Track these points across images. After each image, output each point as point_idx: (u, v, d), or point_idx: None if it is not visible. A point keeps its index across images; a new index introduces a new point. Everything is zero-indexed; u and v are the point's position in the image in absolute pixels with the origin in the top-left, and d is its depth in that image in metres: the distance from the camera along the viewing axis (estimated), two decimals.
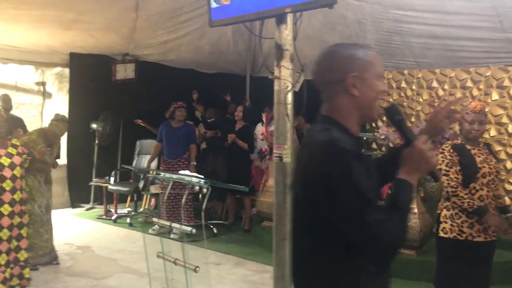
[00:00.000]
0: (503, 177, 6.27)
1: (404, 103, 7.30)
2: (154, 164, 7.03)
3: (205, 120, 7.44)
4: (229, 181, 5.70)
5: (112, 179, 7.43)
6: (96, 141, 7.85)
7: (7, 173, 3.99)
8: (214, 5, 2.65)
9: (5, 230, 4.00)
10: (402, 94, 7.42)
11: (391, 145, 5.99)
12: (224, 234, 6.46)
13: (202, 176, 3.57)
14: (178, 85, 8.27)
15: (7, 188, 4.00)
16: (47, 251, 4.99)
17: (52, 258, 5.05)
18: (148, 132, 7.67)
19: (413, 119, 7.12)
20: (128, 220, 6.95)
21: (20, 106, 7.48)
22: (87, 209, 7.80)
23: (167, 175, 3.86)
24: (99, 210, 7.65)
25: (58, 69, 7.84)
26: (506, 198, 5.47)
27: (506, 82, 6.41)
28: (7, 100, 6.47)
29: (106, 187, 7.34)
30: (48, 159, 4.95)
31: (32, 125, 6.95)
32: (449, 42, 6.53)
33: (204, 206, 3.56)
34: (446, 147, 3.28)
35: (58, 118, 5.17)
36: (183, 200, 3.74)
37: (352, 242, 1.37)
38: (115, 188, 7.28)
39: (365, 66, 1.49)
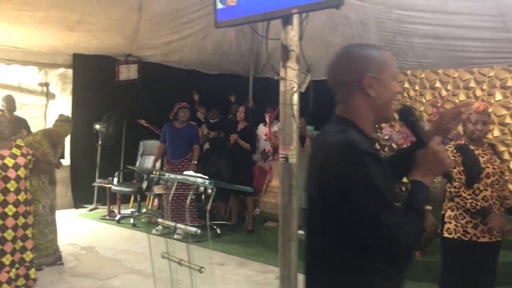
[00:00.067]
0: (507, 178, 6.26)
1: (407, 104, 7.29)
2: (157, 165, 7.04)
3: (208, 121, 7.45)
4: (231, 181, 5.71)
5: (115, 179, 7.45)
6: (99, 142, 7.87)
7: (11, 174, 4.00)
8: (220, 6, 2.65)
9: (10, 231, 4.00)
10: (405, 95, 7.41)
11: (394, 145, 6.00)
12: (227, 235, 6.47)
13: (207, 177, 3.58)
14: (181, 86, 8.28)
15: (12, 189, 4.00)
16: (51, 251, 5.00)
17: (56, 259, 5.06)
18: (151, 133, 7.68)
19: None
20: (131, 220, 6.96)
21: (23, 107, 7.49)
22: (90, 210, 7.81)
23: (172, 175, 3.86)
24: (102, 210, 7.67)
25: (61, 70, 7.86)
26: None
27: (510, 83, 6.38)
28: (10, 101, 6.50)
29: (110, 187, 7.36)
30: (52, 159, 4.96)
31: (35, 126, 6.98)
32: (452, 42, 6.51)
33: (209, 206, 3.56)
34: (450, 147, 3.28)
35: (62, 119, 5.18)
36: (188, 201, 3.73)
37: (368, 244, 1.36)
38: (118, 188, 7.30)
39: (381, 66, 1.49)
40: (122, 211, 7.48)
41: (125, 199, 7.71)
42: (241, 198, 6.96)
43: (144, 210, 7.49)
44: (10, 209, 4.00)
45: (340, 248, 1.43)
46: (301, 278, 2.98)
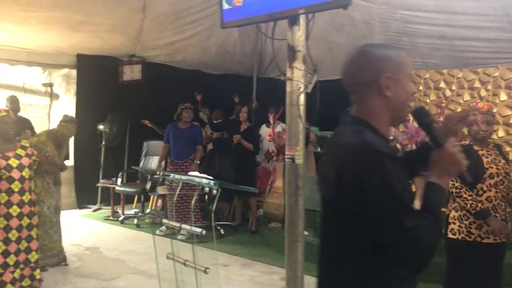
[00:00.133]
0: None
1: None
2: (162, 165, 7.04)
3: (212, 122, 7.45)
4: (235, 182, 5.70)
5: (119, 180, 7.45)
6: (103, 142, 7.88)
7: (15, 174, 3.99)
8: (226, 6, 2.64)
9: (14, 231, 4.00)
10: None
11: (398, 146, 5.97)
12: (231, 235, 6.47)
13: (212, 178, 3.57)
14: (185, 86, 8.28)
15: (16, 190, 4.00)
16: (56, 252, 5.00)
17: (61, 259, 5.07)
18: (155, 133, 7.68)
19: None
20: (135, 221, 6.96)
21: (27, 107, 7.50)
22: (94, 210, 7.82)
23: (177, 176, 3.85)
24: (106, 211, 7.67)
25: (65, 71, 7.88)
26: None
27: None
28: (15, 101, 6.51)
29: (113, 188, 7.36)
30: (57, 160, 4.96)
31: (39, 126, 6.98)
32: (457, 42, 6.50)
33: (214, 207, 3.56)
34: None
35: (66, 119, 5.18)
36: (193, 202, 3.73)
37: (386, 246, 1.34)
38: (122, 189, 7.30)
39: (398, 66, 1.47)
40: (126, 212, 7.48)
41: (128, 199, 7.72)
42: (245, 199, 6.96)
43: (147, 210, 7.49)
44: (14, 210, 3.99)
45: (355, 250, 1.41)
46: (307, 279, 2.98)
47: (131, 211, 7.62)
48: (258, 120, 7.98)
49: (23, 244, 4.07)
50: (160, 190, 6.96)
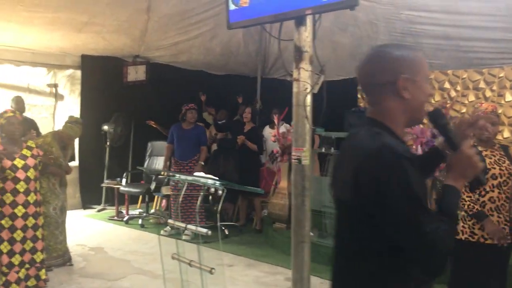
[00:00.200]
0: None
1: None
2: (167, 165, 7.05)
3: (216, 122, 7.46)
4: (239, 182, 5.70)
5: (123, 180, 7.46)
6: (108, 143, 7.89)
7: (20, 175, 4.01)
8: (232, 7, 2.64)
9: (19, 231, 4.01)
10: None
11: None
12: (235, 236, 6.47)
13: (217, 178, 3.57)
14: (189, 87, 8.29)
15: (21, 190, 4.01)
16: (61, 253, 5.01)
17: (66, 260, 5.07)
18: (159, 134, 7.69)
19: (425, 120, 7.06)
20: (140, 221, 6.97)
21: (32, 108, 7.52)
22: (99, 210, 7.83)
23: (183, 176, 3.85)
24: (111, 211, 7.68)
25: (70, 71, 7.90)
26: None
27: None
28: (20, 102, 6.53)
29: (118, 188, 7.37)
30: (62, 161, 4.97)
31: (44, 127, 7.00)
32: (462, 43, 6.47)
33: (219, 208, 3.56)
34: None
35: (72, 120, 5.19)
36: (198, 202, 3.72)
37: (403, 249, 1.33)
38: (126, 189, 7.31)
39: (415, 67, 1.46)
40: (130, 212, 7.49)
41: (133, 199, 7.73)
42: (249, 199, 6.95)
43: (152, 211, 7.50)
44: (19, 210, 4.01)
45: (372, 252, 1.40)
46: (313, 280, 2.98)
47: (135, 211, 7.63)
48: (262, 120, 7.98)
49: (29, 244, 4.08)
50: (165, 190, 6.96)
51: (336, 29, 7.06)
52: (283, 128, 6.59)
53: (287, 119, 6.53)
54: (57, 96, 7.88)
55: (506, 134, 6.41)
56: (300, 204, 2.49)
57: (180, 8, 6.99)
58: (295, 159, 2.50)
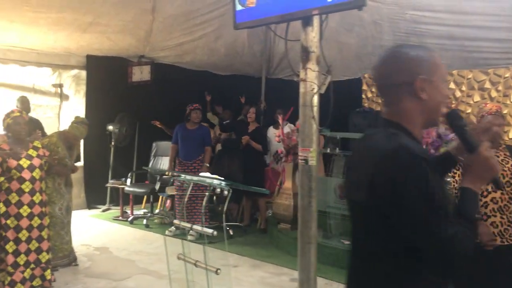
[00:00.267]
0: None
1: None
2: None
3: (222, 122, 7.47)
4: (243, 183, 5.70)
5: (128, 180, 7.48)
6: (112, 143, 7.91)
7: (26, 174, 4.02)
8: (239, 7, 2.64)
9: (24, 231, 4.03)
10: None
11: None
12: (240, 236, 6.46)
13: (223, 178, 3.57)
14: (194, 87, 8.31)
15: (26, 190, 4.03)
16: (67, 253, 5.02)
17: (71, 260, 5.09)
18: (164, 134, 7.70)
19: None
20: (144, 221, 6.97)
21: (37, 108, 7.54)
22: (103, 211, 7.85)
23: (188, 177, 3.86)
24: (115, 211, 7.69)
25: (75, 71, 7.92)
26: None
27: None
28: (25, 102, 6.55)
29: (123, 188, 7.38)
30: (68, 162, 4.98)
31: (48, 127, 7.02)
32: (467, 43, 6.45)
33: (225, 208, 3.56)
34: None
35: (78, 121, 5.20)
36: (204, 203, 3.73)
37: (421, 252, 1.32)
38: (131, 189, 7.33)
39: (433, 68, 1.44)
40: (135, 212, 7.50)
41: (137, 200, 7.74)
42: (253, 200, 6.95)
43: (156, 211, 7.50)
44: (24, 210, 4.02)
45: (388, 253, 1.38)
46: (318, 281, 2.97)
47: (140, 211, 7.64)
48: (266, 121, 7.98)
49: (34, 244, 4.09)
50: (169, 190, 6.97)
51: (342, 30, 7.05)
52: (287, 128, 6.58)
53: (290, 119, 6.53)
54: (62, 96, 7.90)
55: (511, 134, 6.37)
56: (306, 204, 2.48)
57: (185, 9, 7.00)
58: (301, 160, 2.49)
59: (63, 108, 7.89)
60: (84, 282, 4.69)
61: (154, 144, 7.88)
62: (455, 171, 3.15)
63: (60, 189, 4.94)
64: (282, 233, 5.98)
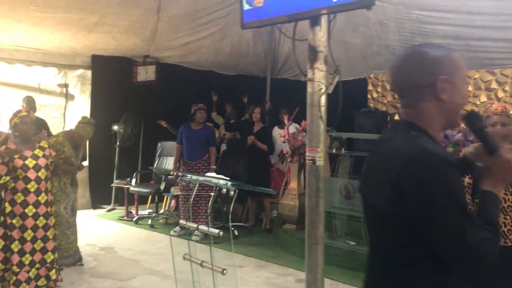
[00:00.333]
0: None
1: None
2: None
3: (228, 122, 7.46)
4: (249, 183, 5.69)
5: (133, 180, 7.48)
6: (117, 143, 7.91)
7: (31, 174, 4.02)
8: (246, 7, 2.62)
9: (29, 231, 4.03)
10: None
11: None
12: (245, 237, 6.45)
13: (228, 179, 3.56)
14: (199, 87, 8.31)
15: (32, 190, 4.03)
16: (72, 252, 5.02)
17: (76, 259, 5.09)
18: (169, 134, 7.70)
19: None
20: (149, 221, 6.98)
21: (42, 108, 7.54)
22: (108, 210, 7.86)
23: (194, 177, 3.85)
24: (120, 211, 7.70)
25: (80, 71, 7.92)
26: None
27: None
28: (31, 102, 6.56)
29: (128, 188, 7.39)
30: (74, 161, 4.99)
31: (54, 126, 7.03)
32: (473, 43, 6.42)
33: (231, 208, 3.55)
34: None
35: (84, 121, 5.20)
36: (210, 203, 3.72)
37: (445, 258, 1.29)
38: (136, 189, 7.33)
39: (454, 68, 1.40)
40: (140, 212, 7.50)
41: (142, 200, 7.74)
42: (258, 200, 6.94)
43: (161, 211, 7.51)
44: (30, 210, 4.03)
45: (410, 260, 1.35)
46: (326, 282, 2.96)
47: (145, 211, 7.65)
48: (271, 121, 7.97)
49: (39, 244, 4.09)
50: (174, 190, 6.97)
51: (348, 30, 7.03)
52: (292, 129, 6.57)
53: (295, 119, 6.52)
54: (68, 96, 7.90)
55: None
56: (314, 205, 2.47)
57: (190, 9, 7.00)
58: (309, 160, 2.48)
59: (68, 108, 7.90)
60: (89, 282, 4.69)
61: (159, 144, 7.89)
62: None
63: (65, 188, 4.95)
64: (287, 234, 5.97)
